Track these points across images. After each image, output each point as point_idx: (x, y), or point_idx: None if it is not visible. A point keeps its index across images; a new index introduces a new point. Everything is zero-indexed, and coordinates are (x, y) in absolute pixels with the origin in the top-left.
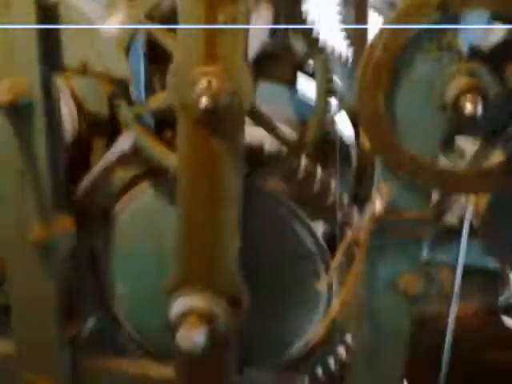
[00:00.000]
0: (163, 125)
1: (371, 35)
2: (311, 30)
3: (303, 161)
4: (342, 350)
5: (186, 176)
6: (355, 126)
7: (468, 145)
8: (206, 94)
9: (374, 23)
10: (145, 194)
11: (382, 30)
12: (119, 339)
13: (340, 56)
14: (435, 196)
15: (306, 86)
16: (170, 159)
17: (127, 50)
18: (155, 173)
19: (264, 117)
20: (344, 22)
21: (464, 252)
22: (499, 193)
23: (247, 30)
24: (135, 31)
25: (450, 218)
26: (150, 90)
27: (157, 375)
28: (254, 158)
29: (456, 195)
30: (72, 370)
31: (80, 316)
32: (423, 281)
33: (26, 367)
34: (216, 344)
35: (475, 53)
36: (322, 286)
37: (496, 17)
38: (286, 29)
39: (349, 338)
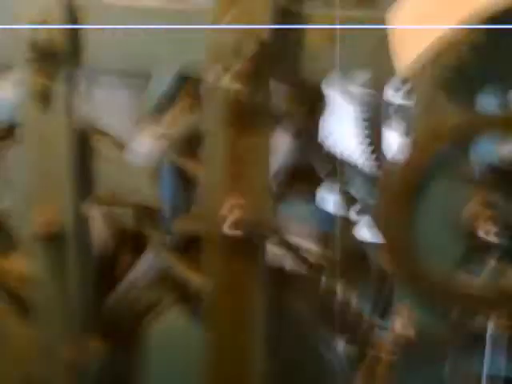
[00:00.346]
0: (190, 243)
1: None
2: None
3: (324, 278)
4: None
5: (212, 297)
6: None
7: None
8: (229, 222)
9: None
10: (171, 314)
11: (399, 160)
12: None
13: (360, 167)
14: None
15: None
16: (195, 280)
17: (156, 175)
18: (182, 293)
19: (285, 240)
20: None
21: (489, 361)
22: None
23: (269, 161)
24: (164, 160)
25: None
26: (179, 212)
27: None
28: (278, 277)
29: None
30: None
31: None
32: None
33: None
34: None
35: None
36: None
37: None
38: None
39: None
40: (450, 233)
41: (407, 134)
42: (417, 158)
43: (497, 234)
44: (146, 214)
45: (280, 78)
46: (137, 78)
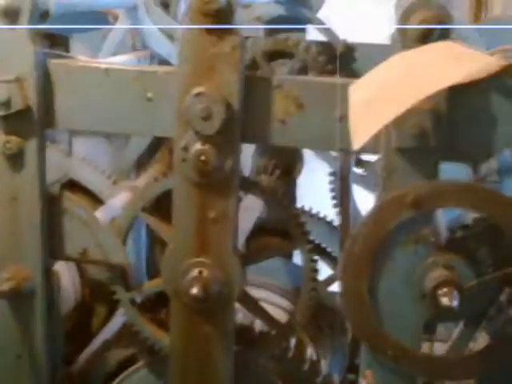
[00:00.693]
0: (157, 303)
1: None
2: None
3: (293, 340)
4: None
5: (178, 356)
6: None
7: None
8: (197, 283)
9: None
10: (138, 374)
11: (361, 225)
12: None
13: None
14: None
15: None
16: (162, 339)
17: (126, 235)
18: (149, 352)
19: (253, 302)
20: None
21: None
22: None
23: (237, 223)
24: (134, 219)
25: None
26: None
27: None
28: (245, 337)
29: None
30: None
31: None
32: None
33: None
34: None
35: (451, 241)
36: None
37: None
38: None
39: None
40: (412, 297)
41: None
42: (380, 223)
43: (458, 298)
44: (116, 271)
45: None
46: (112, 137)
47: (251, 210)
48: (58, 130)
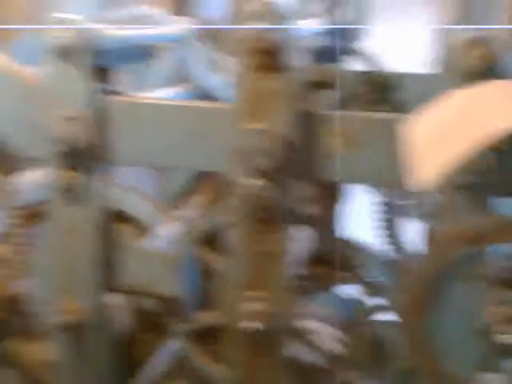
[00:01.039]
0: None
1: None
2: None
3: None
4: None
5: None
6: None
7: None
8: (255, 317)
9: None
10: None
11: (419, 260)
12: None
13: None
14: None
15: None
16: (214, 372)
17: (179, 267)
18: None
19: (305, 332)
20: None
21: None
22: None
23: (288, 254)
24: (185, 251)
25: None
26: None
27: None
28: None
29: None
30: None
31: None
32: None
33: None
34: None
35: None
36: None
37: None
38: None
39: None
40: (469, 333)
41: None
42: (436, 259)
43: None
44: (167, 303)
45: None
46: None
47: (301, 240)
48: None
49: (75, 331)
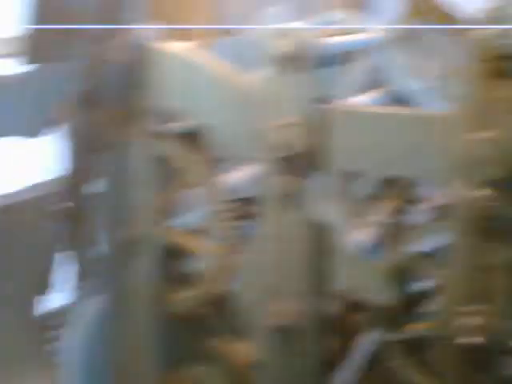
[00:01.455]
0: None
1: None
2: None
3: None
4: None
5: None
6: None
7: None
8: (475, 332)
9: None
10: None
11: None
12: None
13: None
14: None
15: None
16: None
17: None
18: None
19: None
20: None
21: None
22: None
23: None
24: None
25: None
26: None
27: None
28: None
29: None
30: None
31: None
32: None
33: None
34: None
35: None
36: None
37: None
38: None
39: None
40: None
41: None
42: None
43: None
44: (381, 311)
45: None
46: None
47: None
48: None
49: (284, 333)
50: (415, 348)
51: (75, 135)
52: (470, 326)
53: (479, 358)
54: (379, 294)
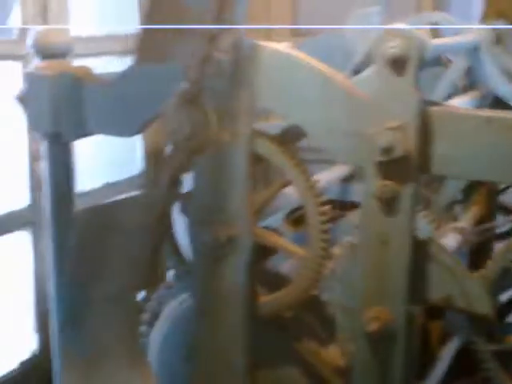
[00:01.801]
0: None
1: None
2: None
3: None
4: None
5: None
6: None
7: None
8: None
9: None
10: None
11: None
12: None
13: None
14: None
15: None
16: None
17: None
18: None
19: None
20: None
21: None
22: None
23: None
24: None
25: None
26: None
27: None
28: None
29: None
30: None
31: None
32: None
33: None
34: None
35: None
36: None
37: None
38: None
39: None
40: None
41: None
42: None
43: None
44: (480, 322)
45: None
46: None
47: None
48: None
49: (379, 339)
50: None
51: (175, 135)
52: None
53: None
54: (478, 303)
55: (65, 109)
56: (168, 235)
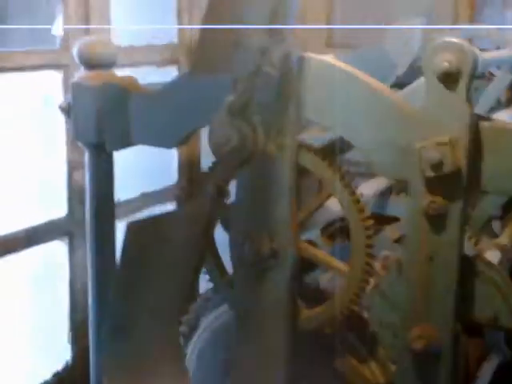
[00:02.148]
0: None
1: None
2: None
3: None
4: None
5: None
6: None
7: None
8: None
9: None
10: None
11: None
12: None
13: None
14: None
15: None
16: None
17: None
18: None
19: None
20: None
21: None
22: None
23: None
24: None
25: None
26: None
27: None
28: None
29: None
30: None
31: None
32: None
33: None
34: None
35: None
36: None
37: None
38: None
39: None
40: None
41: None
42: None
43: None
44: None
45: None
46: None
47: None
48: None
49: (423, 357)
50: None
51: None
52: None
53: None
54: None
55: (109, 119)
56: (210, 247)
